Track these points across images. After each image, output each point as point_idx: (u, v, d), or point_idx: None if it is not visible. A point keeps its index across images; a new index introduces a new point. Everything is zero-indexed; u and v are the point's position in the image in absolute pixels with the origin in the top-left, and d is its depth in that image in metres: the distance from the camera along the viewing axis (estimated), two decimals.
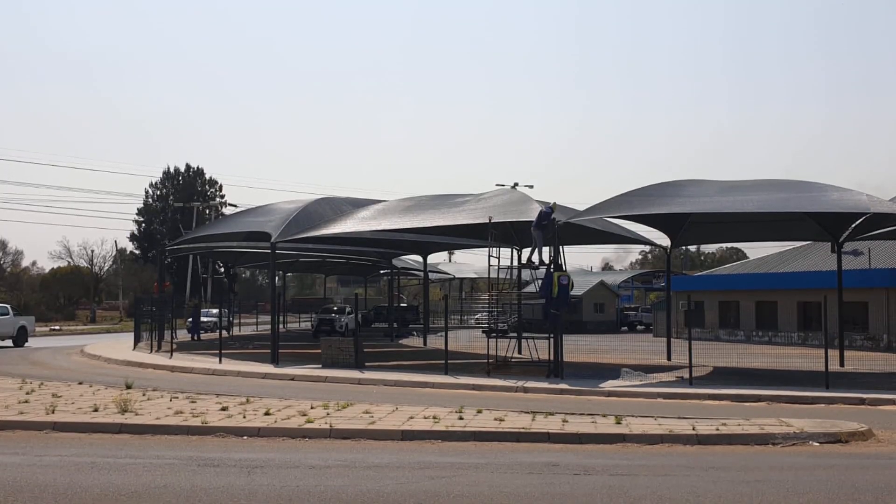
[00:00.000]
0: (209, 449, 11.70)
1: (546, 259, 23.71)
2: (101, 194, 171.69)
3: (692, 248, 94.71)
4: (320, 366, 25.00)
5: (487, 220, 24.36)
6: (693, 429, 13.12)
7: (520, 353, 27.00)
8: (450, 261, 76.14)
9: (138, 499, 8.58)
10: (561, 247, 23.70)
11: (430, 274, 47.28)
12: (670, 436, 12.68)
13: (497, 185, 57.07)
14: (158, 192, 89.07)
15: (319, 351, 26.21)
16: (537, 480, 9.67)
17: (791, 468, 10.80)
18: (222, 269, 74.27)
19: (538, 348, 24.60)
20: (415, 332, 45.83)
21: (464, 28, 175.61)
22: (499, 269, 25.45)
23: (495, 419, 13.82)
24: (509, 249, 29.36)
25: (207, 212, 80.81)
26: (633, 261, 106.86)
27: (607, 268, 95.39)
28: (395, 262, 46.45)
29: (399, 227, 27.89)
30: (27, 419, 13.74)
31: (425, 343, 37.54)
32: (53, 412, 14.31)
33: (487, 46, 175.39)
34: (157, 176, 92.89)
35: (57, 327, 55.76)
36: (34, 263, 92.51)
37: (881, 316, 35.11)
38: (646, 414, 14.92)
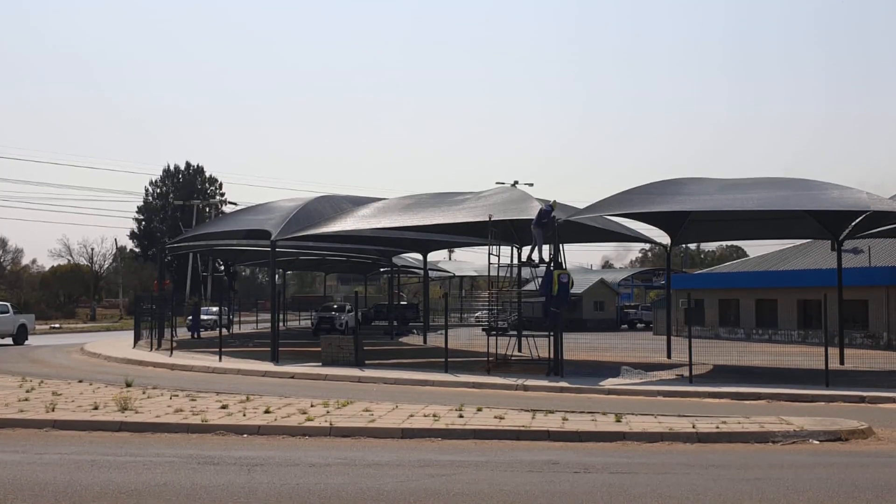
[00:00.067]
0: (209, 447, 11.71)
1: (546, 257, 23.73)
2: (102, 192, 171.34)
3: (692, 246, 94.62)
4: (320, 364, 25.02)
5: (487, 218, 24.36)
6: (693, 427, 13.13)
7: (520, 351, 27.00)
8: (450, 259, 76.16)
9: (138, 497, 8.57)
10: (561, 245, 23.67)
11: (430, 272, 47.26)
12: (670, 434, 12.70)
13: (497, 183, 57.15)
14: (158, 190, 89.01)
15: (319, 349, 26.23)
16: (537, 478, 9.68)
17: (791, 466, 10.80)
18: (222, 268, 74.15)
19: (538, 346, 24.60)
20: (415, 331, 45.77)
21: (463, 27, 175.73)
22: (499, 267, 25.49)
23: (495, 417, 13.83)
24: (509, 247, 29.34)
25: (207, 210, 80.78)
26: (633, 259, 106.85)
27: (607, 266, 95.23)
28: (395, 260, 46.48)
29: (399, 225, 27.91)
30: (27, 417, 13.75)
31: (425, 341, 37.56)
32: (53, 410, 14.33)
33: (487, 45, 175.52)
34: (157, 174, 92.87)
35: (57, 325, 55.80)
36: (34, 261, 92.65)
37: (881, 314, 35.10)
38: (646, 412, 14.94)
